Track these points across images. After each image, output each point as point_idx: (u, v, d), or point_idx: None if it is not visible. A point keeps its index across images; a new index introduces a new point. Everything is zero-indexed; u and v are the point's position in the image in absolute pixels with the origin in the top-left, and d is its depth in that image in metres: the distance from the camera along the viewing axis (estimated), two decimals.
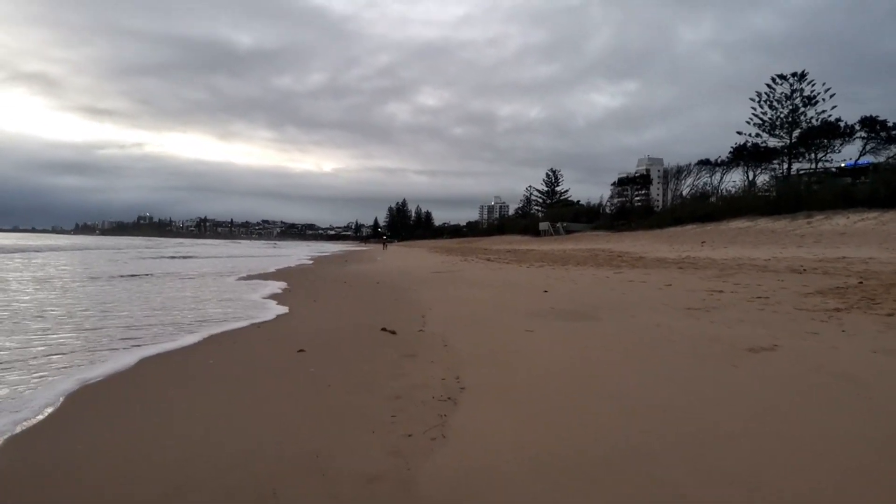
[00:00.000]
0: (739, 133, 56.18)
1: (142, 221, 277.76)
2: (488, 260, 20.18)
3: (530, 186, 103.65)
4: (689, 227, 35.71)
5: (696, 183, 63.89)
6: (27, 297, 10.18)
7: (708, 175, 63.61)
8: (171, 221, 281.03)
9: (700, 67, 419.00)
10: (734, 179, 58.34)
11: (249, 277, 16.05)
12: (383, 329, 6.64)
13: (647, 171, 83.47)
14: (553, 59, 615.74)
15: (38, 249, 35.48)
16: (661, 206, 66.23)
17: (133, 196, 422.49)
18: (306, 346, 5.64)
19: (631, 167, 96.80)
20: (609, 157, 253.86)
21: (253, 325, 7.42)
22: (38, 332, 6.58)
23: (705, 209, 40.40)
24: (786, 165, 50.35)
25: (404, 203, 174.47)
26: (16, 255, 28.07)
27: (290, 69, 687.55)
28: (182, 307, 9.34)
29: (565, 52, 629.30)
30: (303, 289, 12.71)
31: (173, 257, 30.76)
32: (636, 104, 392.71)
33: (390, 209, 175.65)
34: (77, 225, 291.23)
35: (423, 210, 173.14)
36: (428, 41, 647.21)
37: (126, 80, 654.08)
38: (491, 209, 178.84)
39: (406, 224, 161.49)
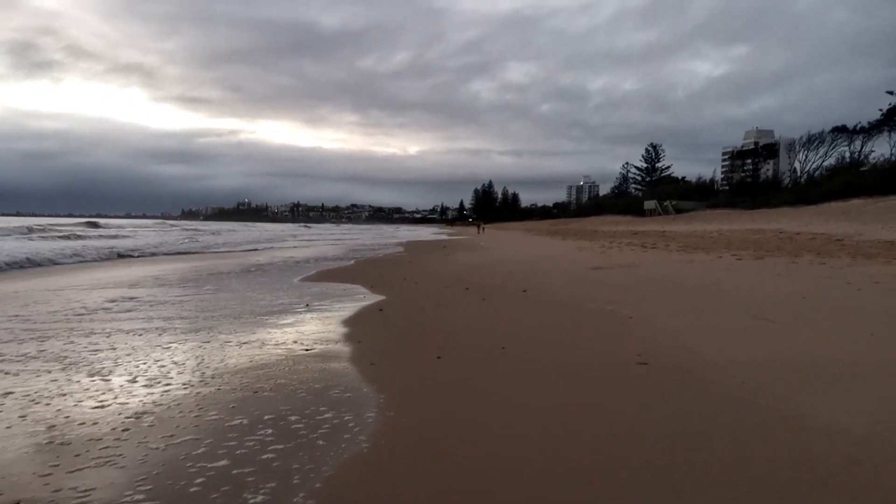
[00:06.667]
0: (891, 93, 48.75)
1: (241, 207, 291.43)
2: (643, 246, 16.20)
3: (627, 163, 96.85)
4: (854, 201, 29.74)
5: (830, 153, 57.12)
6: None
7: (845, 144, 56.47)
8: (266, 207, 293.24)
9: (822, 26, 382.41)
10: (873, 149, 52.27)
11: (321, 278, 13.08)
12: None
13: (757, 143, 74.74)
14: (652, 23, 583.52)
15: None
16: (782, 180, 59.21)
17: (231, 182, 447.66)
18: None
19: (736, 141, 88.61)
20: (711, 131, 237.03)
21: None
22: None
23: (864, 181, 34.06)
24: None
25: (490, 185, 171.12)
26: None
27: (375, 49, 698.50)
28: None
29: (667, 15, 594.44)
30: (404, 318, 6.23)
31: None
32: (744, 71, 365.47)
33: (476, 191, 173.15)
34: (183, 211, 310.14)
35: (510, 192, 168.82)
36: (515, 10, 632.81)
37: (215, 67, 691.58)
38: (580, 189, 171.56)
39: (492, 206, 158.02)
